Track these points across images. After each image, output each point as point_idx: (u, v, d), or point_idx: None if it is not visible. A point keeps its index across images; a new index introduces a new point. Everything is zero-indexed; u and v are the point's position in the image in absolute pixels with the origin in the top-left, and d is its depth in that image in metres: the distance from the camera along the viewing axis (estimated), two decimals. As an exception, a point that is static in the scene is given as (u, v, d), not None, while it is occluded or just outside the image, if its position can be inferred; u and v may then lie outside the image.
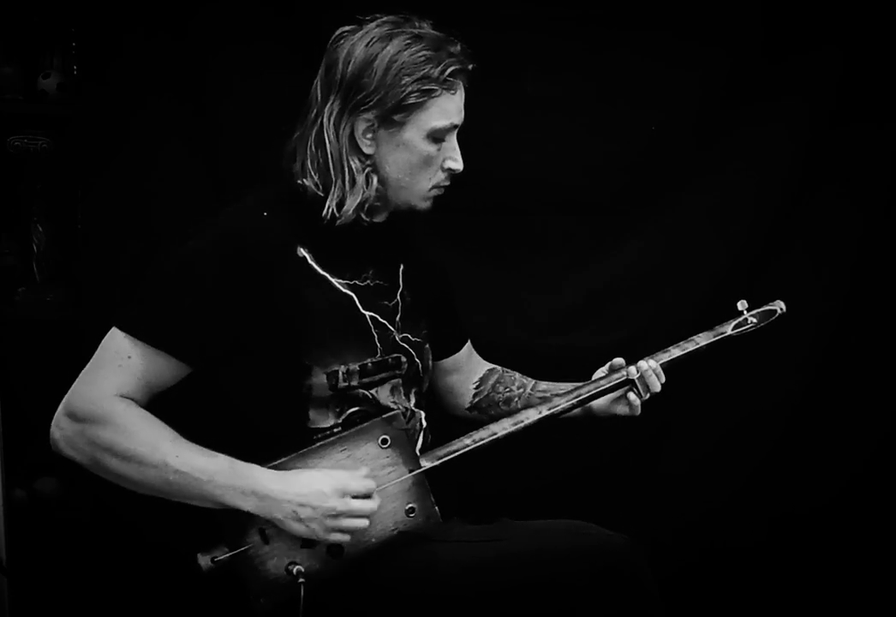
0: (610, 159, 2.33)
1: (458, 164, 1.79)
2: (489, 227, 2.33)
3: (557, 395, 1.91)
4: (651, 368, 1.89)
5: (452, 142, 1.78)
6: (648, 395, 1.90)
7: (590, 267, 2.38)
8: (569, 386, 1.95)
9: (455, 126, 1.77)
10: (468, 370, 2.08)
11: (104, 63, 2.22)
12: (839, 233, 2.38)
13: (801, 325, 2.29)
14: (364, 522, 1.64)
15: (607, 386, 1.89)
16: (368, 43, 1.71)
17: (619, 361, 1.92)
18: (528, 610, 1.64)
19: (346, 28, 1.77)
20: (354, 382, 1.75)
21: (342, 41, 1.75)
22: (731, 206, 2.36)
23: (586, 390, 1.89)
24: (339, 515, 1.62)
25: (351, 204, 1.74)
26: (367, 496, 1.65)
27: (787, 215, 2.39)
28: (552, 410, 1.85)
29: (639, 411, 1.92)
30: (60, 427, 1.66)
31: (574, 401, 1.87)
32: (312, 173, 1.75)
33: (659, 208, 2.36)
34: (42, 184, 2.42)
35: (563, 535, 1.70)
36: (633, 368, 1.89)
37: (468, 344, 2.10)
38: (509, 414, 1.85)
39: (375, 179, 1.75)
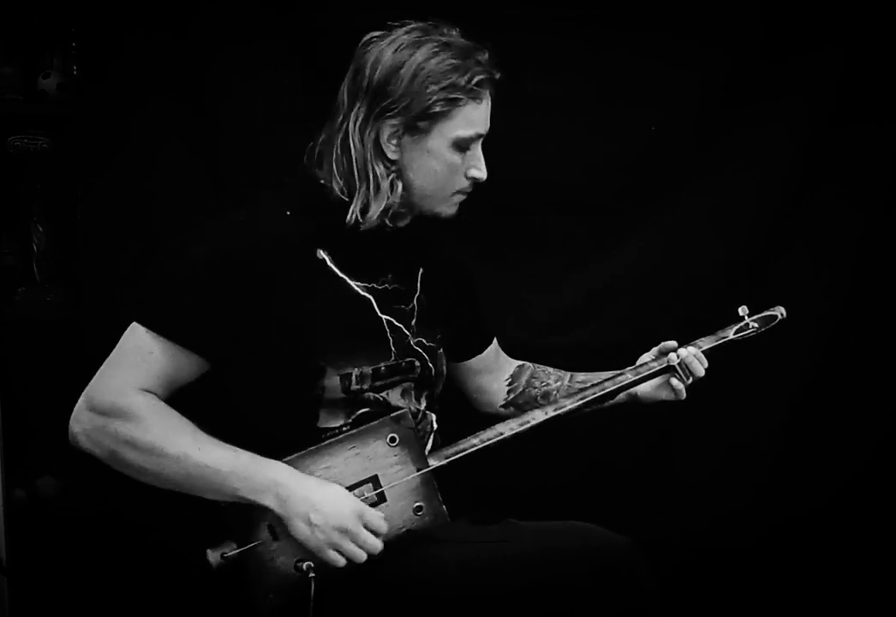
0: (610, 159, 2.33)
1: (481, 173, 1.79)
2: (489, 227, 2.33)
3: (585, 387, 1.90)
4: (692, 354, 1.91)
5: (477, 151, 1.78)
6: (692, 379, 1.92)
7: (590, 267, 2.38)
8: (608, 375, 1.94)
9: (480, 135, 1.77)
10: (496, 369, 2.08)
11: (104, 63, 2.22)
12: (839, 233, 2.38)
13: (801, 325, 2.29)
14: (363, 555, 1.63)
15: (645, 375, 1.91)
16: (396, 49, 1.71)
17: (671, 344, 1.93)
18: (529, 611, 1.64)
19: (376, 33, 1.76)
20: (367, 386, 1.75)
21: (370, 46, 1.74)
22: (731, 206, 2.36)
23: (591, 392, 1.88)
24: (346, 533, 1.62)
25: (375, 210, 1.74)
26: (376, 534, 1.65)
27: (787, 215, 2.38)
28: (558, 411, 1.84)
29: (684, 396, 1.93)
30: (80, 421, 1.66)
31: (586, 401, 1.86)
32: (338, 178, 1.75)
33: (659, 208, 2.36)
34: (42, 184, 2.42)
35: (565, 536, 1.70)
36: (672, 355, 1.91)
37: (494, 344, 2.09)
38: None
39: (400, 186, 1.75)
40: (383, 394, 1.78)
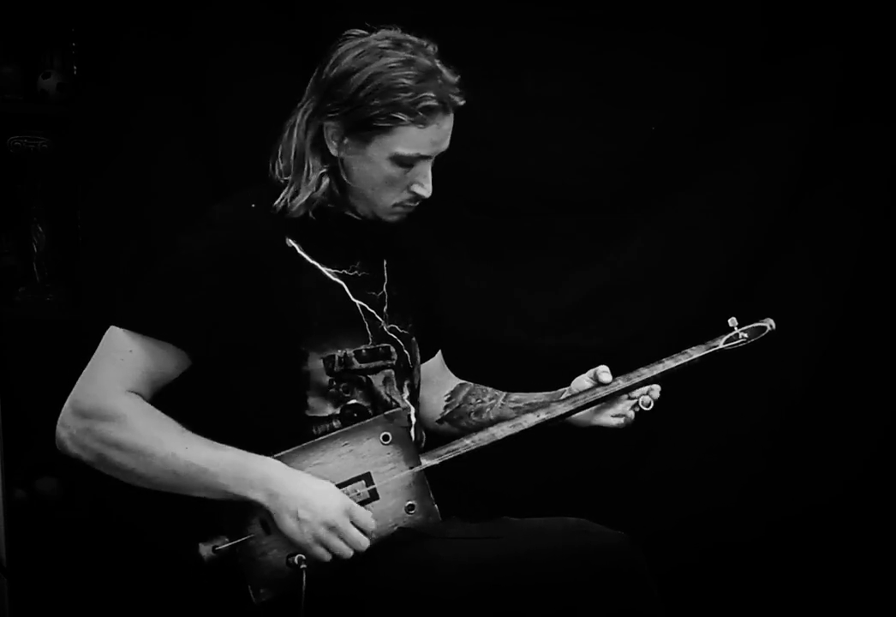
0: (610, 159, 2.33)
1: (424, 190, 1.77)
2: (489, 227, 2.33)
3: (531, 404, 1.92)
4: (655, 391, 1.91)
5: (423, 169, 1.75)
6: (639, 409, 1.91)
7: (590, 267, 2.38)
8: (541, 396, 1.95)
9: (423, 157, 1.74)
10: (438, 383, 2.07)
11: (104, 63, 2.23)
12: (839, 233, 2.39)
13: (801, 325, 2.30)
14: (349, 551, 1.64)
15: (604, 395, 1.89)
16: (359, 54, 1.71)
17: (602, 369, 1.90)
18: (526, 608, 1.63)
19: (353, 32, 1.76)
20: (352, 367, 1.76)
21: (342, 43, 1.75)
22: (731, 206, 2.36)
23: (582, 397, 1.88)
24: (333, 529, 1.63)
25: (300, 199, 1.75)
26: (364, 532, 1.65)
27: (787, 215, 2.39)
28: (550, 415, 1.86)
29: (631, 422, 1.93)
30: (66, 426, 1.66)
31: (577, 405, 1.87)
32: (280, 163, 1.78)
33: (658, 208, 2.36)
34: (42, 184, 2.42)
35: (561, 533, 1.70)
36: (646, 398, 1.90)
37: (439, 355, 2.08)
38: (480, 426, 1.87)
39: (327, 182, 1.76)
40: (368, 376, 1.78)
